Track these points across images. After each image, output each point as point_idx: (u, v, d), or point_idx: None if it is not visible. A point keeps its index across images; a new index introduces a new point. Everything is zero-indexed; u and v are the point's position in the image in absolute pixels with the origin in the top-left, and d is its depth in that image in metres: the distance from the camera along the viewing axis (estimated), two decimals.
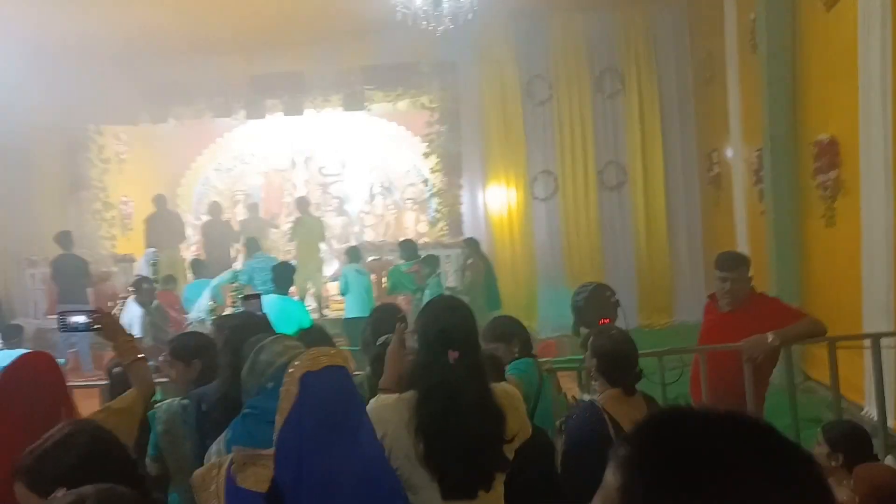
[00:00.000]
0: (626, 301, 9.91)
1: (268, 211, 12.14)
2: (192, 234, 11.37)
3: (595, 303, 3.48)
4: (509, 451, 2.28)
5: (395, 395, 2.30)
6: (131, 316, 6.64)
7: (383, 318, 3.20)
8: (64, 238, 8.48)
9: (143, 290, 6.99)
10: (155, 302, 7.02)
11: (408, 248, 8.06)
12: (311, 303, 10.16)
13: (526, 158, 10.31)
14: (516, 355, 3.14)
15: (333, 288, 11.22)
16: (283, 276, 5.76)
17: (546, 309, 9.79)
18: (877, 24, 5.11)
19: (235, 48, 10.15)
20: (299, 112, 10.50)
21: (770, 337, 3.54)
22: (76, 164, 10.38)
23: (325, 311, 10.38)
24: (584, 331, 3.40)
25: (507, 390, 2.41)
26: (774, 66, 6.66)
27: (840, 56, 5.76)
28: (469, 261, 8.37)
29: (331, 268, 11.68)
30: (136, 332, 6.43)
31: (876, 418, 4.85)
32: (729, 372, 3.71)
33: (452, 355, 2.24)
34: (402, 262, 8.24)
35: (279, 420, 1.82)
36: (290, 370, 1.88)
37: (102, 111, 10.19)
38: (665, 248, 10.16)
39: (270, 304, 5.76)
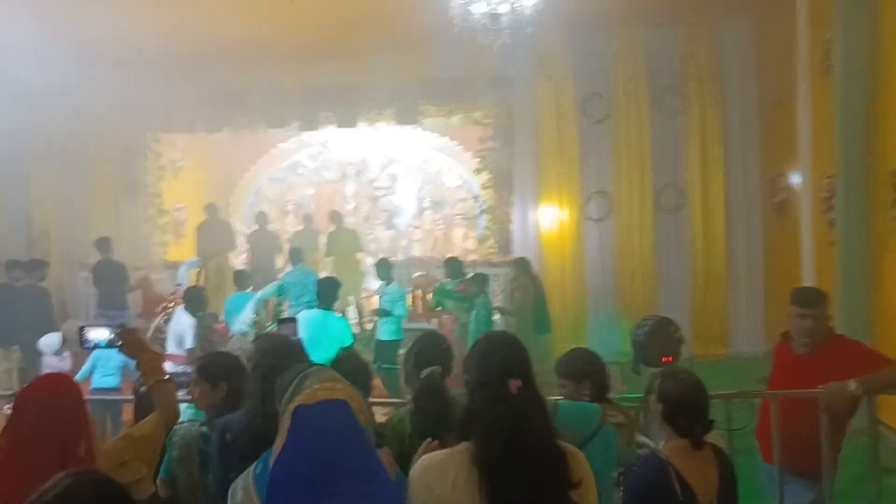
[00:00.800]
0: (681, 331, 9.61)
1: (318, 222, 12.12)
2: (243, 244, 11.42)
3: (658, 338, 3.23)
4: (577, 498, 2.04)
5: (445, 451, 2.09)
6: (183, 326, 6.53)
7: (427, 347, 3.02)
8: (103, 244, 8.53)
9: (194, 298, 6.93)
10: (206, 311, 6.96)
11: (454, 265, 7.89)
12: (352, 316, 10.08)
13: (580, 177, 10.04)
14: (586, 397, 2.91)
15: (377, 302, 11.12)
16: (327, 290, 5.64)
17: (595, 334, 9.50)
18: None
19: (292, 58, 10.17)
20: (352, 125, 10.46)
21: (853, 385, 3.24)
22: (132, 169, 10.52)
23: (367, 326, 10.26)
24: (644, 369, 3.15)
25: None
26: (851, 89, 6.29)
27: None
28: (518, 281, 8.14)
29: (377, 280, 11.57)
30: (189, 342, 6.37)
31: None
32: (803, 421, 3.40)
33: (514, 384, 2.02)
34: (447, 279, 8.04)
35: (272, 458, 1.65)
36: (290, 404, 1.70)
37: (160, 118, 10.31)
38: (723, 276, 9.75)
39: (312, 319, 5.66)
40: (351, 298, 9.98)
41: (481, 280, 7.50)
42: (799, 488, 3.56)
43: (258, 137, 11.83)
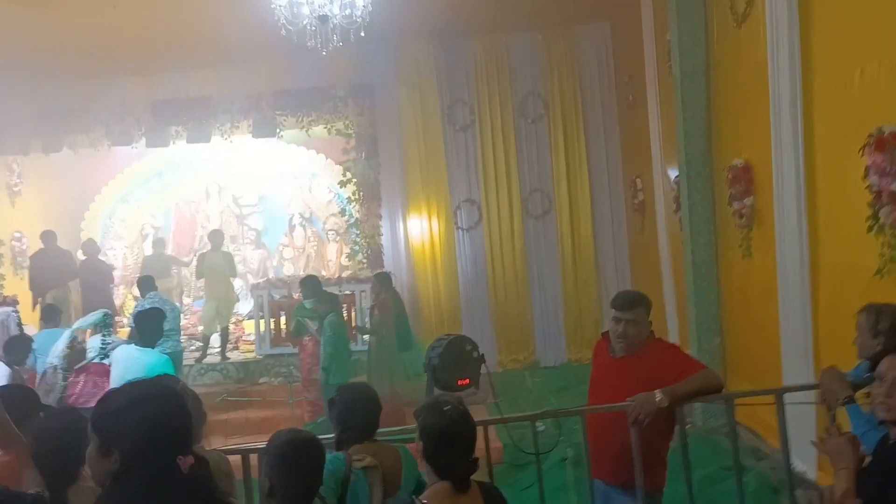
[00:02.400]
0: (554, 334, 9.50)
1: (180, 245, 11.40)
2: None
3: (452, 359, 2.92)
4: None
5: None
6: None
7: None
8: None
9: (14, 348, 6.13)
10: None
11: (310, 284, 7.42)
12: (216, 342, 9.47)
13: (448, 186, 9.85)
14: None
15: (248, 327, 10.52)
16: (147, 326, 5.09)
17: None
18: (784, 41, 4.77)
19: (135, 72, 9.50)
20: (206, 139, 9.82)
21: (658, 396, 3.04)
22: None
23: (233, 353, 9.67)
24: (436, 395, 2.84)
25: None
26: (689, 87, 6.31)
27: (752, 76, 5.43)
28: (379, 297, 7.77)
29: (246, 304, 10.98)
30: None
31: (798, 468, 4.43)
32: (620, 432, 3.19)
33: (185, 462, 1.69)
34: (305, 300, 7.53)
35: None
36: None
37: None
38: (593, 279, 9.75)
39: (126, 356, 5.10)
40: (217, 326, 9.35)
41: (330, 299, 7.07)
42: (625, 501, 3.35)
43: (109, 157, 10.98)
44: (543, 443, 4.53)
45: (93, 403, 4.48)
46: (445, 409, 2.27)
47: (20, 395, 3.00)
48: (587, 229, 9.73)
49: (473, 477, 2.23)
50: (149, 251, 11.02)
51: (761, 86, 5.13)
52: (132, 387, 1.74)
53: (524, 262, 9.79)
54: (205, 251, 10.03)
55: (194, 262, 10.27)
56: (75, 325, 6.00)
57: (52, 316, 6.67)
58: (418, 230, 9.85)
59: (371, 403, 2.87)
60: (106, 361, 5.45)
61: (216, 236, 9.80)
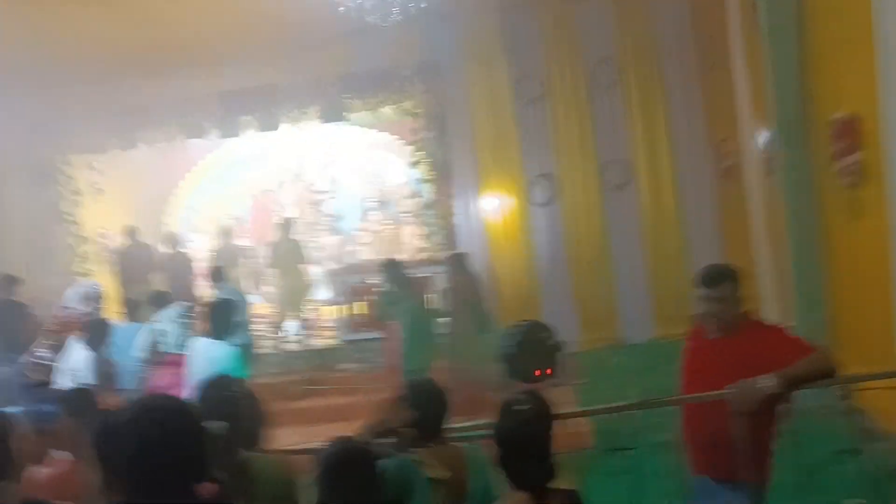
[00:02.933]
0: (638, 310, 9.10)
1: (258, 235, 11.48)
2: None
3: (528, 348, 2.66)
4: None
5: None
6: (77, 359, 5.86)
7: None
8: (4, 281, 7.83)
9: (98, 331, 6.28)
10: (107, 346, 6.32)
11: (391, 269, 7.29)
12: (294, 329, 9.50)
13: (521, 162, 9.51)
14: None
15: (327, 313, 10.53)
16: (217, 316, 5.05)
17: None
18: None
19: (202, 64, 9.54)
20: (275, 127, 9.83)
21: (767, 381, 2.70)
22: (45, 196, 9.83)
23: (312, 340, 9.68)
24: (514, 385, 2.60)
25: None
26: (779, 40, 5.78)
27: (853, 23, 4.88)
28: (453, 280, 7.56)
29: (325, 291, 10.98)
30: (85, 377, 5.72)
31: None
32: (721, 422, 2.87)
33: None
34: (387, 285, 7.40)
35: None
36: None
37: (66, 140, 9.66)
38: (679, 250, 9.23)
39: (197, 350, 5.08)
40: (291, 313, 9.39)
41: (409, 283, 6.92)
42: (731, 498, 3.03)
43: (185, 151, 11.18)
44: (636, 426, 4.24)
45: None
46: (517, 408, 2.02)
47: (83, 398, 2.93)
48: (670, 199, 9.21)
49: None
50: (223, 243, 11.16)
51: (864, 32, 4.61)
52: (134, 407, 1.50)
53: (604, 235, 9.37)
54: (275, 240, 10.08)
55: (267, 252, 10.33)
56: (157, 318, 6.05)
57: (134, 310, 6.76)
58: (492, 208, 9.57)
59: (439, 402, 2.64)
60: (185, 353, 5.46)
61: (285, 225, 9.83)
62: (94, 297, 6.47)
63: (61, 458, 2.33)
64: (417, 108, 9.65)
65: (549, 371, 2.67)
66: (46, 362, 5.84)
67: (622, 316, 9.36)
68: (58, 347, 5.92)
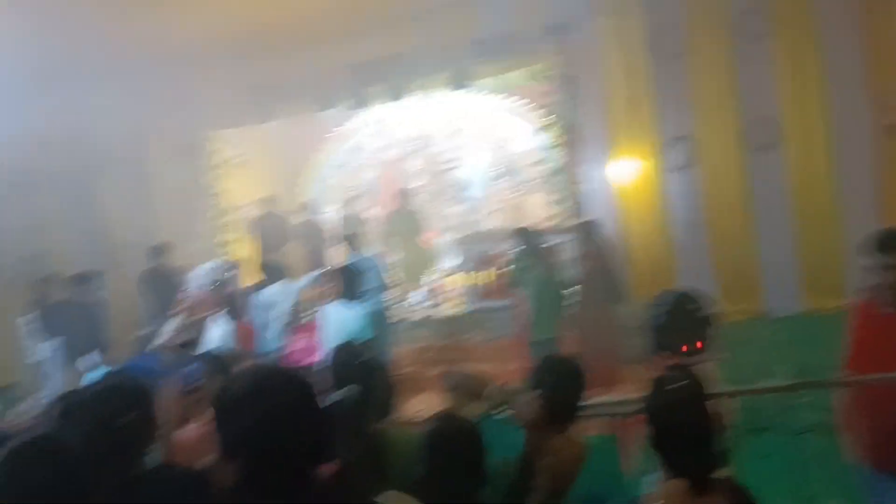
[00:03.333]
0: (787, 282, 8.46)
1: (383, 205, 11.62)
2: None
3: (679, 320, 2.43)
4: None
5: None
6: (218, 330, 6.14)
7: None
8: (157, 250, 8.37)
9: (233, 301, 6.55)
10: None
11: (522, 236, 7.15)
12: (419, 299, 9.56)
13: (656, 123, 9.01)
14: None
15: (454, 283, 10.56)
16: (347, 280, 5.13)
17: None
18: None
19: (332, 37, 9.67)
20: (404, 97, 9.85)
21: None
22: (188, 170, 10.40)
23: (439, 309, 9.72)
24: (659, 359, 2.38)
25: None
26: None
27: None
28: (584, 248, 7.29)
29: (451, 259, 10.99)
30: (226, 344, 6.00)
31: None
32: None
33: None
34: (520, 252, 7.25)
35: None
36: None
37: (206, 115, 10.13)
38: (832, 217, 8.45)
39: (329, 313, 5.18)
40: (415, 282, 9.47)
41: (538, 252, 6.74)
42: None
43: (317, 123, 11.46)
44: (783, 405, 3.89)
45: (308, 361, 4.49)
46: (670, 387, 1.81)
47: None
48: (823, 159, 8.42)
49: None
50: (349, 212, 11.39)
51: None
52: (254, 378, 1.41)
53: (747, 200, 8.74)
54: (393, 210, 10.15)
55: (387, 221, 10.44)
56: (295, 286, 6.23)
57: (272, 275, 7.01)
58: (625, 173, 9.15)
59: (572, 383, 2.45)
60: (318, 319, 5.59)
61: (403, 195, 9.87)
62: (224, 275, 6.75)
63: (207, 420, 2.38)
64: (547, 70, 9.33)
65: (698, 345, 2.44)
66: (188, 332, 6.16)
67: (766, 287, 8.74)
68: (197, 324, 6.23)
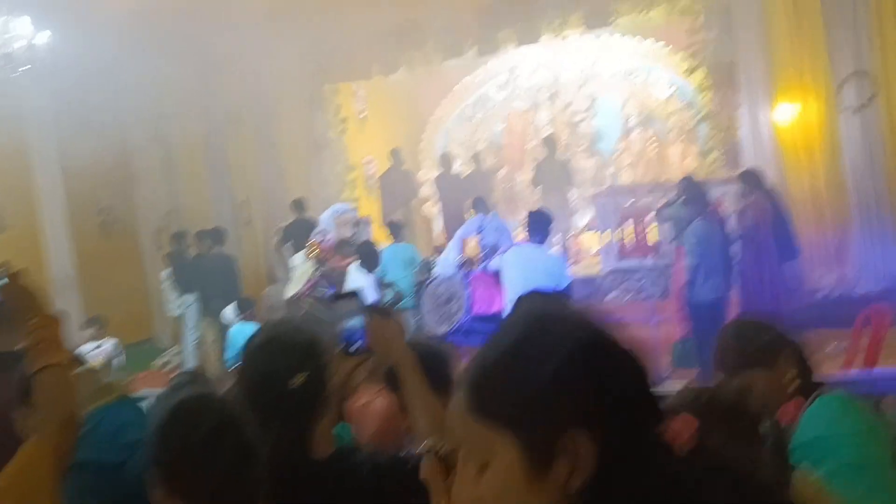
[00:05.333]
0: None
1: (510, 160, 11.05)
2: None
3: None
4: None
5: None
6: (356, 283, 5.85)
7: None
8: (296, 205, 8.17)
9: (369, 253, 6.24)
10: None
11: (684, 185, 6.48)
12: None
13: (828, 58, 7.86)
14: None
15: (588, 240, 9.89)
16: (537, 223, 4.76)
17: (864, 257, 7.52)
18: None
19: None
20: (535, 40, 9.13)
21: None
22: (315, 125, 10.15)
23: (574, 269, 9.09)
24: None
25: None
26: None
27: None
28: (749, 199, 6.44)
29: (584, 216, 10.31)
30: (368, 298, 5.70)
31: None
32: None
33: None
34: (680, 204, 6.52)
35: None
36: None
37: (332, 66, 9.82)
38: None
39: (521, 253, 4.81)
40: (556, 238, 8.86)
41: (699, 201, 5.98)
42: None
43: (441, 75, 10.97)
44: None
45: (495, 308, 4.16)
46: None
47: None
48: None
49: None
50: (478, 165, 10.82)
51: None
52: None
53: None
54: (541, 159, 9.53)
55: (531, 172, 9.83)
56: (459, 234, 5.88)
57: (397, 231, 6.66)
58: (789, 117, 8.09)
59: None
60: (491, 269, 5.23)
61: (550, 142, 9.23)
62: (348, 220, 6.43)
63: (376, 390, 1.91)
64: (697, 3, 8.37)
65: None
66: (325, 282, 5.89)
67: None
68: (330, 273, 5.94)
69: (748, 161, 8.11)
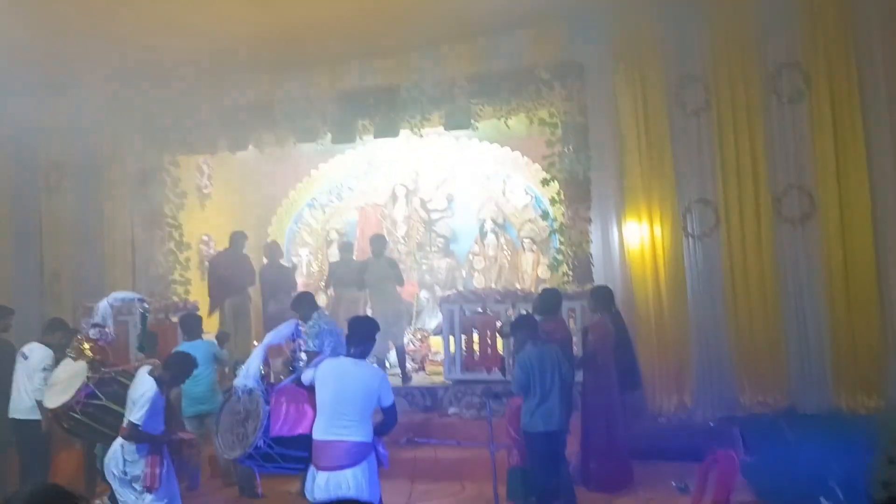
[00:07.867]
0: (817, 374, 7.30)
1: (364, 251, 10.52)
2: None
3: None
4: None
5: None
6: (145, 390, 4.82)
7: None
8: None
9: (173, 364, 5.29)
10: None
11: (549, 300, 6.11)
12: (392, 360, 8.37)
13: (675, 184, 7.99)
14: None
15: (436, 344, 9.36)
16: (359, 333, 4.17)
17: (703, 386, 7.45)
18: None
19: (320, 62, 8.70)
20: (394, 133, 8.79)
21: None
22: (149, 198, 9.18)
23: (419, 375, 8.52)
24: None
25: None
26: None
27: None
28: (594, 319, 6.16)
29: (433, 319, 9.84)
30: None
31: None
32: None
33: None
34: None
35: None
36: None
37: (175, 138, 9.04)
38: (872, 302, 7.42)
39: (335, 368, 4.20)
40: (389, 343, 8.24)
41: (529, 324, 5.59)
42: None
43: (296, 158, 10.42)
44: None
45: (300, 430, 3.49)
46: None
47: None
48: (865, 235, 7.42)
49: None
50: (334, 257, 10.24)
51: None
52: None
53: (775, 276, 7.66)
54: (367, 259, 8.99)
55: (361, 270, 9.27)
56: (266, 340, 5.02)
57: (190, 327, 5.82)
58: (637, 237, 8.08)
59: None
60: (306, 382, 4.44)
61: (378, 242, 8.74)
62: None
63: None
64: (554, 116, 8.37)
65: None
66: None
67: (794, 377, 7.61)
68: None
69: (598, 277, 7.99)
